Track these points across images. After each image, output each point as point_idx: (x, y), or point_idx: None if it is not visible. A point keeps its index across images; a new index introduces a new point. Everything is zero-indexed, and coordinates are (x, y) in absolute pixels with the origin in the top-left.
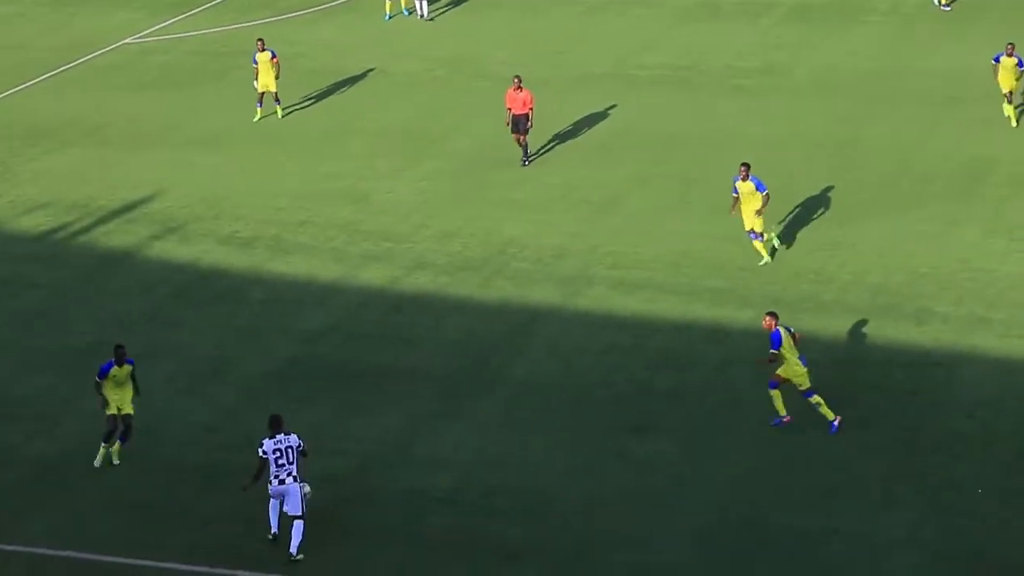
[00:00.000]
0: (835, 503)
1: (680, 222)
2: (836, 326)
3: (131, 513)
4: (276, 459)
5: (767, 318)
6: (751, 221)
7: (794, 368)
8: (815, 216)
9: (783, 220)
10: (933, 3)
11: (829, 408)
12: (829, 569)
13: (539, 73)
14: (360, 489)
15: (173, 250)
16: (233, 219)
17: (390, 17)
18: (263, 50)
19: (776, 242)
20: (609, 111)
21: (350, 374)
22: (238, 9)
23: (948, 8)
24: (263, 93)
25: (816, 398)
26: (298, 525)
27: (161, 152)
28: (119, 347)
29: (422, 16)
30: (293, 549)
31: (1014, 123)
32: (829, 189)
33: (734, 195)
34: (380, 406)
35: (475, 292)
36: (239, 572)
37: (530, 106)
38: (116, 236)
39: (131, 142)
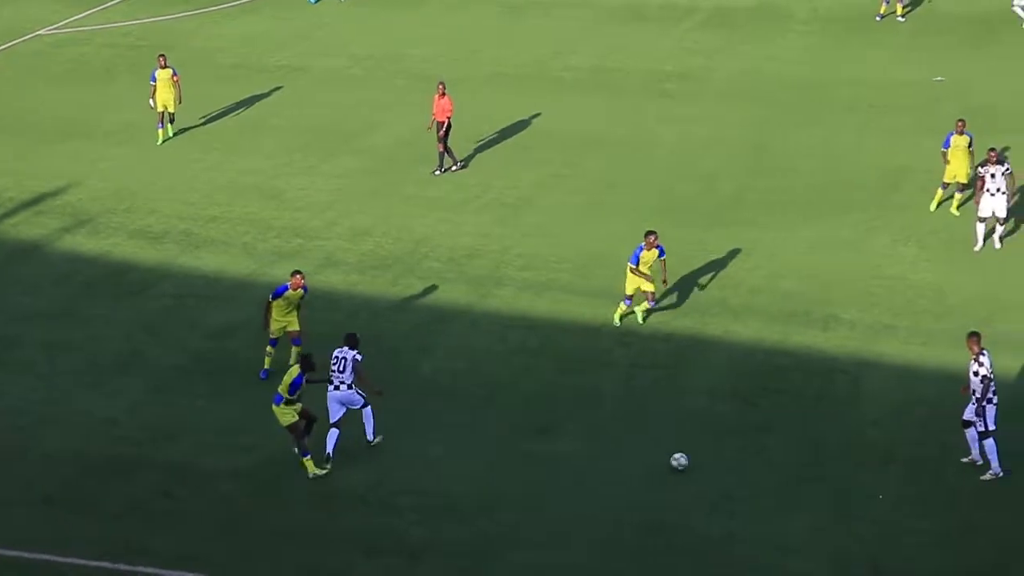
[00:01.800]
0: (736, 507)
1: (592, 225)
2: (743, 331)
3: (36, 507)
4: (333, 364)
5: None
6: (641, 285)
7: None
8: (730, 221)
9: (698, 223)
10: (898, 18)
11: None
12: (728, 573)
13: (457, 72)
14: (267, 486)
15: (83, 243)
16: (145, 213)
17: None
18: (164, 67)
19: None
20: (528, 111)
21: (257, 370)
22: (155, 3)
23: (903, 20)
24: (162, 112)
25: (297, 347)
26: (366, 412)
27: (73, 145)
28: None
29: None
30: (370, 436)
31: (955, 210)
32: (746, 194)
33: (632, 265)
34: None
35: (385, 290)
36: (142, 568)
37: (447, 114)
38: (26, 228)
39: (43, 134)
